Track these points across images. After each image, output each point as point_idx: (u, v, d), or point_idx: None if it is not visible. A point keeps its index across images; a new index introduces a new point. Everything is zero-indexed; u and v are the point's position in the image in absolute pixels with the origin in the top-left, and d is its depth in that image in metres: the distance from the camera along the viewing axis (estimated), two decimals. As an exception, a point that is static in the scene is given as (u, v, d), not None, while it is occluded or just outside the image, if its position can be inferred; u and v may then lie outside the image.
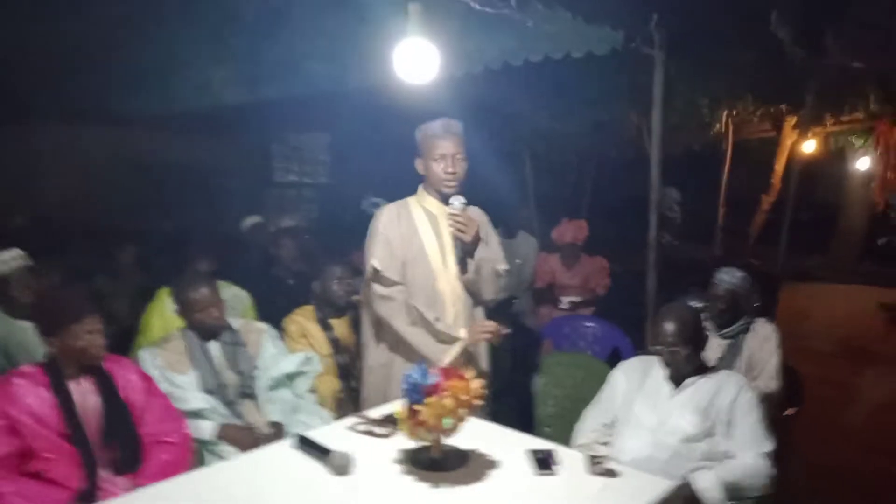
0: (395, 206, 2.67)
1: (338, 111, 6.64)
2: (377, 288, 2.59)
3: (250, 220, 5.33)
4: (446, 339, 2.56)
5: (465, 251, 2.55)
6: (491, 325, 2.64)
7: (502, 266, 2.72)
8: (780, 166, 7.78)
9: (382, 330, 2.66)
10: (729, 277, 2.92)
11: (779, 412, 2.85)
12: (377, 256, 2.58)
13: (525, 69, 3.43)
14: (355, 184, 7.62)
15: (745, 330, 2.91)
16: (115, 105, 6.04)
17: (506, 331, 2.65)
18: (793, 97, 6.45)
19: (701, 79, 5.95)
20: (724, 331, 2.92)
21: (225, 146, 8.38)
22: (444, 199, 2.58)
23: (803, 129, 7.09)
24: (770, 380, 2.82)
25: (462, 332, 2.56)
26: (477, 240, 2.56)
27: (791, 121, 7.21)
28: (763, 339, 2.88)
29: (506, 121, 6.38)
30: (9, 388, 2.13)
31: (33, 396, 2.14)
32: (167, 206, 7.40)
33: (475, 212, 2.69)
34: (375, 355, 2.71)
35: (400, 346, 2.62)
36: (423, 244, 2.59)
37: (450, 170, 2.53)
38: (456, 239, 2.55)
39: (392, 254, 2.59)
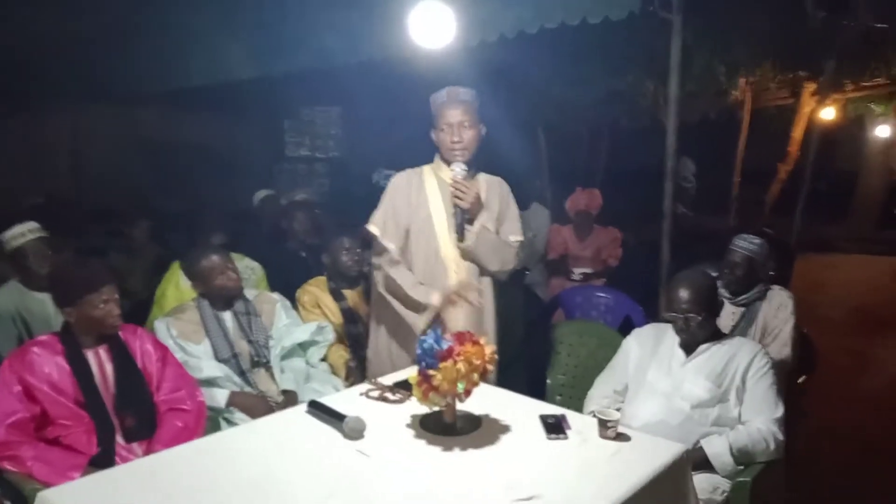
0: (409, 172, 2.64)
1: (350, 84, 6.60)
2: (373, 254, 2.60)
3: (261, 194, 5.34)
4: (419, 307, 2.50)
5: (464, 218, 2.49)
6: (468, 284, 2.52)
7: (514, 237, 2.63)
8: (797, 134, 7.63)
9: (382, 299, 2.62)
10: (746, 243, 2.89)
11: (792, 379, 2.83)
12: (375, 221, 2.58)
13: (540, 37, 3.36)
14: (367, 157, 7.59)
15: (761, 297, 2.89)
16: (127, 83, 6.04)
17: (476, 298, 2.51)
18: (813, 63, 6.31)
19: (719, 44, 5.83)
20: (739, 298, 2.89)
21: (237, 122, 8.38)
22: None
23: (823, 96, 6.95)
24: (783, 346, 2.80)
25: (434, 298, 2.48)
26: (478, 208, 2.49)
27: (810, 87, 7.06)
28: (778, 307, 2.85)
29: (519, 90, 6.30)
30: (27, 357, 2.16)
31: (51, 365, 2.17)
32: (180, 182, 7.43)
33: (494, 181, 2.64)
34: (377, 327, 2.68)
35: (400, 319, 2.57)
36: (431, 212, 2.56)
37: (454, 139, 2.48)
38: (455, 205, 2.50)
39: (394, 220, 2.56)
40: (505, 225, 2.63)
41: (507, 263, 2.59)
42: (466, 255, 2.55)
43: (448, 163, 2.54)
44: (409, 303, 2.52)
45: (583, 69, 6.19)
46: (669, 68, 3.27)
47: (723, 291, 2.91)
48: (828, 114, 7.41)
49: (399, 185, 2.61)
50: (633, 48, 5.71)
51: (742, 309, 2.89)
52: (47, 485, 1.86)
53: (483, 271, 2.62)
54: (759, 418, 2.20)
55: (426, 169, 2.64)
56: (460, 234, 2.51)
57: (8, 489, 1.97)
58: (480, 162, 2.63)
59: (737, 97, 7.21)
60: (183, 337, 2.63)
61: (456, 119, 2.48)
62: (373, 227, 2.59)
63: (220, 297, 2.75)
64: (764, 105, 7.93)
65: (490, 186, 2.63)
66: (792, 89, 7.35)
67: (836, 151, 10.87)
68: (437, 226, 2.57)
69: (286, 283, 3.39)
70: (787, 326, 2.82)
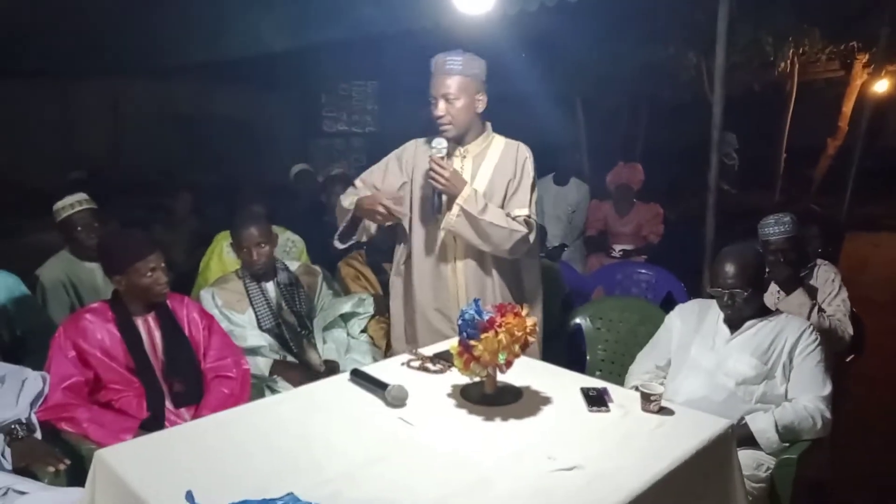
0: (424, 139, 2.51)
1: (387, 57, 6.57)
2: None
3: (297, 168, 5.39)
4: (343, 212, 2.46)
5: (440, 198, 2.34)
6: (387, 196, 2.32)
7: (519, 211, 2.38)
8: (847, 108, 7.38)
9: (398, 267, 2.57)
10: (776, 226, 2.76)
11: (841, 358, 2.77)
12: (363, 178, 2.54)
13: (580, 6, 3.30)
14: (405, 133, 7.58)
15: (808, 275, 2.81)
16: (165, 56, 6.12)
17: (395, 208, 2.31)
18: (865, 32, 6.05)
19: (766, 14, 5.62)
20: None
21: (274, 96, 8.43)
22: (461, 141, 2.42)
23: (876, 67, 6.66)
24: (840, 318, 2.72)
25: (347, 201, 2.44)
26: (454, 188, 2.28)
27: (862, 59, 6.78)
28: (824, 282, 2.78)
29: (558, 62, 6.20)
30: (80, 324, 2.23)
31: (102, 332, 2.24)
32: (217, 156, 7.53)
33: (512, 146, 2.46)
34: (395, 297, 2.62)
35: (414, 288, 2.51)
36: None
37: (437, 112, 2.31)
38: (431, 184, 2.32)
39: (382, 177, 2.48)
40: (514, 197, 2.42)
41: (502, 244, 2.33)
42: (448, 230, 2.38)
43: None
44: (340, 214, 2.47)
45: (623, 41, 6.05)
46: (715, 38, 3.18)
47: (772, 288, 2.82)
48: (881, 86, 7.11)
49: (405, 154, 2.52)
50: (675, 18, 5.55)
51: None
52: (101, 445, 1.92)
53: (482, 251, 2.44)
54: (807, 396, 2.16)
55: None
56: (437, 215, 2.37)
57: (66, 449, 2.04)
58: (518, 135, 2.52)
59: (784, 69, 6.96)
60: (228, 307, 2.68)
61: (440, 91, 2.30)
62: (358, 182, 2.53)
63: (256, 266, 2.77)
64: (812, 78, 7.67)
65: (505, 153, 2.45)
66: (843, 61, 7.09)
67: (888, 126, 10.46)
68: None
69: (326, 256, 3.43)
70: (837, 300, 2.74)
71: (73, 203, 2.98)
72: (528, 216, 2.39)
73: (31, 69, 6.12)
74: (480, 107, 2.40)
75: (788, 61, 6.77)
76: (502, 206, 2.40)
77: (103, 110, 7.41)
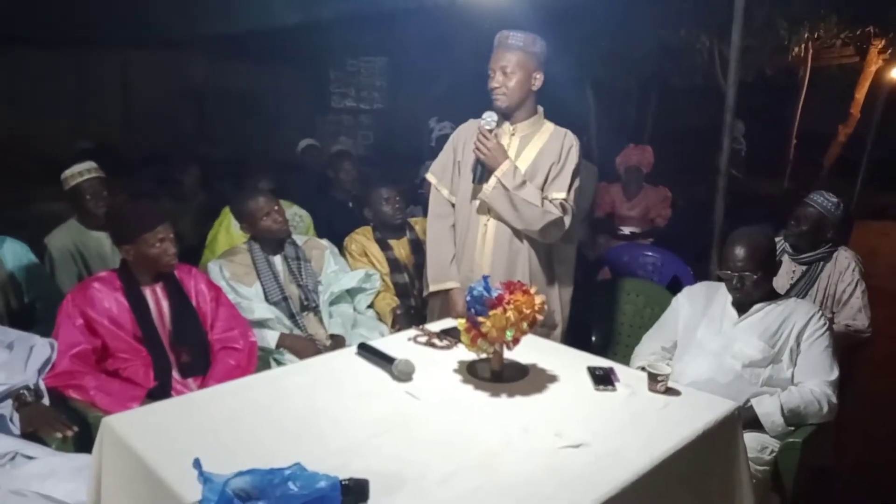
0: (474, 122, 2.57)
1: (397, 33, 6.51)
2: (431, 204, 2.61)
3: (304, 143, 5.36)
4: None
5: (482, 169, 2.42)
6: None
7: (556, 194, 2.43)
8: (860, 95, 7.28)
9: None
10: (823, 199, 2.79)
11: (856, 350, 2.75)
12: (433, 169, 2.59)
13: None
14: (413, 110, 7.54)
15: (825, 259, 2.79)
16: (175, 28, 6.07)
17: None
18: (882, 17, 5.95)
19: (781, -3, 5.55)
20: (802, 255, 2.80)
21: (282, 71, 8.38)
22: (512, 119, 2.49)
23: (893, 54, 6.57)
24: (857, 313, 2.72)
25: (431, 288, 2.57)
26: (496, 161, 2.38)
27: (878, 44, 6.68)
28: (844, 269, 2.75)
29: (567, 42, 6.12)
30: (88, 292, 2.24)
31: (110, 300, 2.25)
32: (225, 129, 7.51)
33: (559, 133, 2.50)
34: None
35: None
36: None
37: (493, 84, 2.40)
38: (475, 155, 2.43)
39: (450, 168, 2.54)
40: (555, 180, 2.47)
41: (533, 223, 2.40)
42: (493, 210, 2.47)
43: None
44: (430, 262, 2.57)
45: (636, 22, 5.97)
46: (728, 20, 3.13)
47: (787, 248, 2.83)
48: (896, 73, 7.02)
49: (459, 133, 2.58)
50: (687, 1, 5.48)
51: (802, 268, 2.81)
52: (109, 413, 1.93)
53: (513, 231, 2.49)
54: (814, 380, 2.16)
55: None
56: (478, 186, 2.46)
57: (74, 416, 2.06)
58: (547, 110, 2.55)
59: (797, 54, 6.87)
60: (235, 279, 2.68)
61: (498, 63, 2.40)
62: (430, 176, 2.59)
63: (268, 239, 2.78)
64: (826, 63, 7.56)
65: (552, 138, 2.50)
66: (858, 46, 6.97)
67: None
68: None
69: (333, 231, 3.42)
70: (857, 291, 2.72)
71: (81, 171, 2.97)
72: (565, 200, 2.44)
73: (44, 39, 6.09)
74: (537, 84, 2.45)
75: (803, 46, 6.68)
76: (542, 189, 2.45)
77: (113, 81, 7.39)
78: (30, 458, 1.84)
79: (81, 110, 7.04)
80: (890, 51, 6.59)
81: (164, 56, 7.38)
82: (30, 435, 1.95)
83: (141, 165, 5.98)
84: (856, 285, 2.73)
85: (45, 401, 2.07)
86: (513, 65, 2.38)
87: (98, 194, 2.95)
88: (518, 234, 2.50)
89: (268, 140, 7.20)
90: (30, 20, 5.51)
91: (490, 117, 2.40)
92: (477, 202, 2.50)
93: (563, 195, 2.45)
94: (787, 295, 2.38)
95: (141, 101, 7.44)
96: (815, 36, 6.53)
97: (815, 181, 7.47)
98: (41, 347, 2.15)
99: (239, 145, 7.03)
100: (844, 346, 2.32)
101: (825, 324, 2.23)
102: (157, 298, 2.32)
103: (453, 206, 2.61)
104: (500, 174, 2.39)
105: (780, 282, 2.65)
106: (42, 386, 2.09)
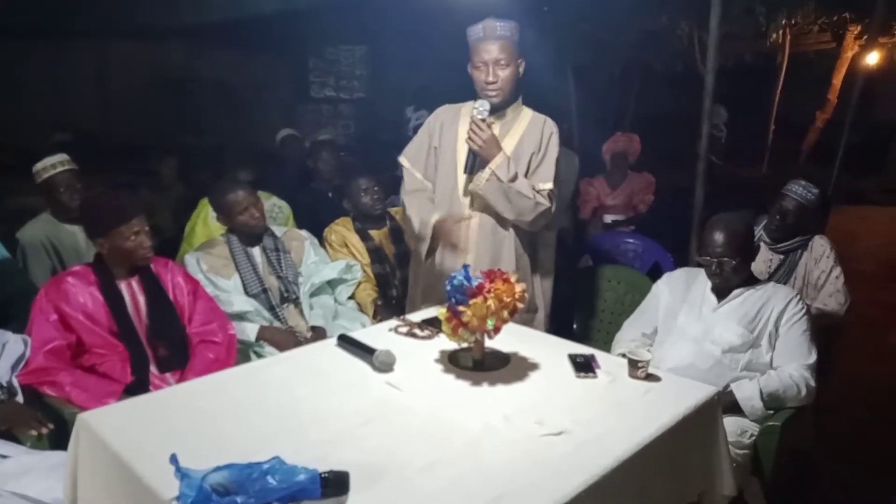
0: (448, 108, 2.56)
1: (377, 21, 6.44)
2: (406, 183, 2.59)
3: (283, 133, 5.31)
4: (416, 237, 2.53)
5: (475, 160, 2.38)
6: (458, 219, 2.43)
7: (543, 185, 2.44)
8: (837, 81, 7.36)
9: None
10: (804, 191, 2.78)
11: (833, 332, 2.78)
12: (406, 152, 2.58)
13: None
14: (394, 99, 7.48)
15: (803, 247, 2.81)
16: (151, 17, 5.96)
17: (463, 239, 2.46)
18: (859, 4, 6.00)
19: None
20: (780, 245, 2.82)
21: (260, 60, 8.27)
22: (493, 108, 2.44)
23: (869, 39, 6.62)
24: (835, 294, 2.74)
25: (427, 229, 2.49)
26: (490, 151, 2.35)
27: (854, 30, 6.74)
28: (819, 257, 2.78)
29: (549, 28, 6.11)
30: (62, 287, 2.19)
31: (85, 295, 2.20)
32: (203, 120, 7.41)
33: (539, 120, 2.49)
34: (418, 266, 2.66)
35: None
36: (457, 151, 2.49)
37: (489, 78, 2.34)
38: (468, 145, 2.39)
39: (424, 152, 2.53)
40: (538, 170, 2.47)
41: (525, 214, 2.40)
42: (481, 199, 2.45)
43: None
44: (411, 231, 2.53)
45: (615, 8, 5.96)
46: (708, 6, 3.13)
47: (764, 237, 2.85)
48: (872, 59, 7.08)
49: (435, 119, 2.55)
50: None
51: (780, 256, 2.83)
52: (85, 409, 1.90)
53: (498, 219, 2.50)
54: (792, 364, 2.18)
55: (466, 105, 2.55)
56: (469, 176, 2.42)
57: (49, 412, 2.02)
58: (527, 97, 2.52)
59: (775, 41, 6.92)
60: (213, 271, 2.64)
61: (492, 56, 2.33)
62: (402, 159, 2.57)
63: (244, 233, 2.75)
64: (803, 49, 7.63)
65: (532, 125, 2.48)
66: (834, 32, 7.04)
67: (877, 100, 10.46)
68: (460, 167, 2.49)
69: (313, 222, 3.39)
70: (832, 275, 2.75)
71: (54, 164, 2.91)
72: (552, 190, 2.45)
73: (18, 28, 5.95)
74: (521, 71, 2.43)
75: (780, 32, 6.72)
76: (525, 178, 2.44)
77: (89, 72, 7.25)
78: (4, 456, 1.80)
79: (57, 101, 6.90)
80: (866, 36, 6.64)
81: (142, 45, 7.25)
82: (4, 433, 1.91)
83: (118, 157, 5.89)
84: (830, 270, 2.76)
85: (20, 398, 2.03)
86: (506, 57, 2.34)
87: (72, 187, 2.89)
88: (502, 222, 2.49)
89: (247, 130, 7.12)
90: (3, 8, 5.38)
91: (483, 106, 2.36)
92: (460, 192, 2.48)
93: (550, 185, 2.45)
94: (766, 281, 2.39)
95: (118, 91, 7.31)
96: (793, 22, 6.57)
97: (794, 167, 7.55)
98: (14, 344, 2.10)
99: (218, 135, 6.94)
100: (819, 328, 2.34)
101: (803, 308, 2.24)
102: (132, 292, 2.28)
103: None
104: (495, 166, 2.35)
105: (758, 269, 2.66)
106: (16, 383, 2.05)
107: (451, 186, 2.51)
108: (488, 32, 2.34)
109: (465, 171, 2.42)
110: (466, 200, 2.50)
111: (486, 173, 2.37)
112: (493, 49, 2.33)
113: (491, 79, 2.35)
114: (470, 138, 2.35)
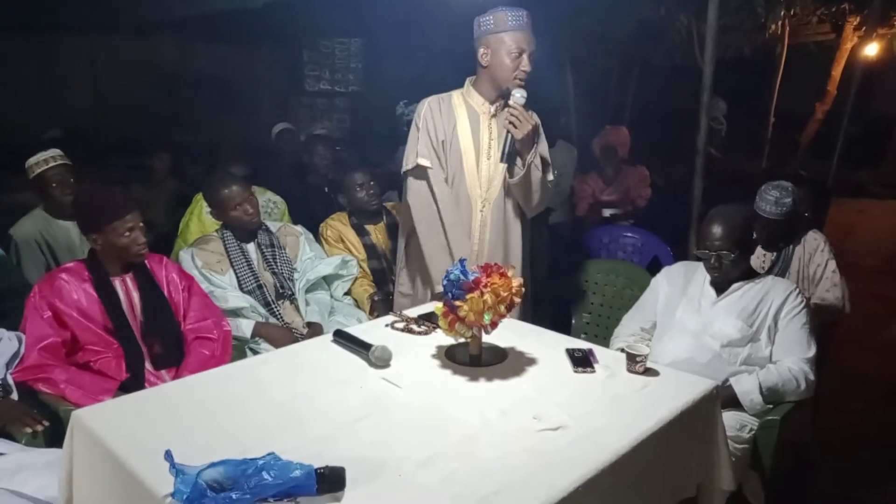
0: (437, 98, 2.51)
1: (372, 13, 6.39)
2: (419, 185, 2.49)
3: (278, 127, 5.27)
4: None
5: (514, 149, 2.36)
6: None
7: (549, 175, 2.51)
8: (837, 72, 7.32)
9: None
10: (774, 207, 2.66)
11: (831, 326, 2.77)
12: (421, 153, 2.46)
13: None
14: (389, 93, 7.44)
15: (795, 242, 2.80)
16: (144, 12, 5.92)
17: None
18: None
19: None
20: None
21: (254, 54, 8.22)
22: (495, 98, 2.44)
23: (868, 30, 6.59)
24: (831, 288, 2.73)
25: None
26: (531, 141, 2.36)
27: (853, 21, 6.71)
28: (813, 251, 2.77)
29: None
30: (56, 283, 2.17)
31: (79, 292, 2.18)
32: (197, 114, 7.37)
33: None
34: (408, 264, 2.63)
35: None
36: (460, 142, 2.47)
37: (525, 67, 2.32)
38: (508, 134, 2.34)
39: (436, 148, 2.47)
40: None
41: (541, 204, 2.49)
42: (506, 189, 2.45)
43: (496, 88, 2.42)
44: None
45: (613, 0, 5.93)
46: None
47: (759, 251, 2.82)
48: (871, 50, 7.05)
49: (430, 111, 2.48)
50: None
51: (773, 254, 2.81)
52: (80, 407, 1.89)
53: (508, 210, 2.51)
54: (791, 358, 2.17)
55: (455, 95, 2.52)
56: (510, 168, 2.41)
57: (44, 410, 2.01)
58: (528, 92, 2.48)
59: (774, 32, 6.88)
60: (208, 267, 2.62)
61: (529, 46, 2.33)
62: (423, 161, 2.46)
63: (238, 228, 2.73)
64: (803, 41, 7.59)
65: None
66: (833, 23, 7.00)
67: (877, 92, 10.42)
68: (465, 157, 2.47)
69: (308, 217, 3.37)
70: (827, 270, 2.74)
71: (46, 159, 2.88)
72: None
73: (9, 22, 5.90)
74: None
75: (779, 23, 6.69)
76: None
77: (81, 66, 7.20)
78: (-1, 454, 1.79)
79: (49, 96, 6.86)
80: (865, 28, 6.61)
81: (135, 39, 7.20)
82: (-2, 431, 1.90)
83: (110, 152, 5.85)
84: (826, 264, 2.75)
85: (14, 396, 2.02)
86: (533, 46, 2.35)
87: (64, 182, 2.87)
88: (514, 213, 2.52)
89: (241, 124, 7.08)
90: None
91: (521, 93, 2.33)
92: (468, 182, 2.47)
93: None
94: (764, 275, 2.37)
95: (111, 85, 7.26)
96: (792, 13, 6.54)
97: (794, 159, 7.53)
98: (8, 341, 2.09)
99: (212, 130, 6.90)
100: (819, 322, 2.33)
101: (802, 301, 2.23)
102: (127, 289, 2.26)
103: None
104: (532, 157, 2.38)
105: (755, 264, 2.65)
106: (10, 380, 2.04)
107: (458, 181, 2.49)
108: (523, 24, 2.34)
109: (501, 161, 2.40)
110: (477, 191, 2.48)
111: (527, 162, 2.37)
112: (528, 38, 2.34)
113: (527, 67, 2.34)
114: (515, 127, 2.31)
